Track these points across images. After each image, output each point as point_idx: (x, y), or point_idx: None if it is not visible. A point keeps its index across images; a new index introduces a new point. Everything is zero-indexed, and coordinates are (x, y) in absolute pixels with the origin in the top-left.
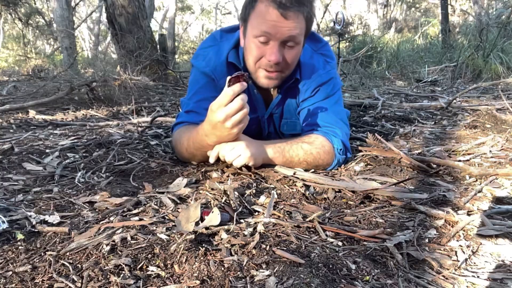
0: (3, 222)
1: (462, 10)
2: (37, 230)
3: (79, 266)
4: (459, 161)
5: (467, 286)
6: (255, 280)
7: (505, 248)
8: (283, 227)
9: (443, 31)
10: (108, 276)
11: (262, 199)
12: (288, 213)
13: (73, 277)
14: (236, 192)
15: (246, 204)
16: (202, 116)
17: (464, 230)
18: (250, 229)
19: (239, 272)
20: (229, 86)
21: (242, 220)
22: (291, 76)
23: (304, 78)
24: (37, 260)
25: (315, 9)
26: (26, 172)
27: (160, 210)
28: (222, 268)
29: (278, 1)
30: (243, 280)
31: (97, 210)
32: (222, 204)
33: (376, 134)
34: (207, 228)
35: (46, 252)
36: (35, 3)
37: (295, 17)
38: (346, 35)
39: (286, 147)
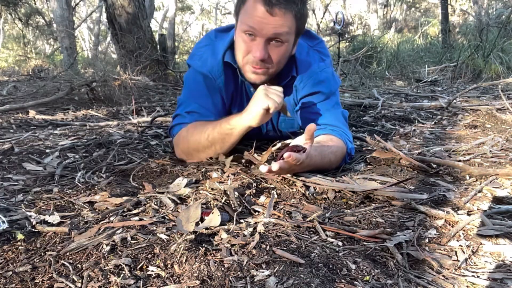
0: (3, 222)
1: (462, 10)
2: (37, 230)
3: (79, 266)
4: (459, 161)
5: (467, 286)
6: (255, 280)
7: (505, 248)
8: (283, 227)
9: (443, 31)
10: (108, 276)
11: (262, 199)
12: (288, 213)
13: (73, 277)
14: (236, 192)
15: (246, 204)
16: (204, 116)
17: (464, 230)
18: (250, 229)
19: (239, 272)
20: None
21: (242, 220)
22: (287, 74)
23: (301, 75)
24: (37, 260)
25: (307, 8)
26: (26, 172)
27: (160, 210)
28: (222, 268)
29: None
30: (243, 280)
31: (97, 210)
32: (222, 204)
33: (375, 135)
34: (207, 228)
35: (46, 252)
36: (35, 3)
37: (282, 14)
38: (346, 35)
39: (323, 148)
